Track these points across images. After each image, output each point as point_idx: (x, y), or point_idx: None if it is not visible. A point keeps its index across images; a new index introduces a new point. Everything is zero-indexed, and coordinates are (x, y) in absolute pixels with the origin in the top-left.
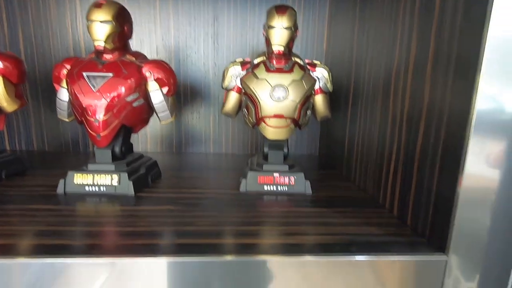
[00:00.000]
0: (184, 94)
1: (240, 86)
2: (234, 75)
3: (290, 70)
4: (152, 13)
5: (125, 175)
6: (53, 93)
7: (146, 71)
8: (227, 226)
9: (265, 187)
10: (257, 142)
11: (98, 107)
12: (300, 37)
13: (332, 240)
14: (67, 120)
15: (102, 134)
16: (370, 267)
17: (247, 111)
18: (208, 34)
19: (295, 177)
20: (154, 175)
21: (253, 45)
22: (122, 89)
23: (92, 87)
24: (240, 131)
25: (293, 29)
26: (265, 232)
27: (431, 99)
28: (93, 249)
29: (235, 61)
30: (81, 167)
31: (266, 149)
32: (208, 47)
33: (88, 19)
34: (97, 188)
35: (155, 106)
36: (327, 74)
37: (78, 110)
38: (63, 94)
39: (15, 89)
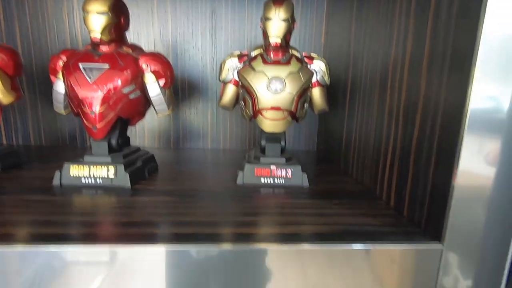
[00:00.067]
0: (182, 89)
1: (237, 79)
2: (231, 67)
3: (287, 63)
4: (149, 7)
5: (121, 167)
6: (50, 88)
7: (143, 63)
8: (223, 216)
9: (262, 180)
10: (255, 137)
11: (94, 99)
12: (298, 32)
13: (328, 230)
14: (63, 112)
15: (98, 126)
16: (367, 256)
17: (244, 103)
18: (206, 28)
19: (292, 169)
20: (151, 169)
21: (251, 39)
22: (119, 81)
23: (88, 79)
24: (238, 126)
25: (290, 21)
26: (262, 222)
27: (427, 94)
28: (89, 238)
29: (232, 54)
30: (77, 159)
31: (263, 142)
32: (206, 41)
33: (84, 10)
34: (93, 180)
35: (152, 98)
36: (324, 67)
37: (74, 101)
38: (59, 86)
39: (11, 81)
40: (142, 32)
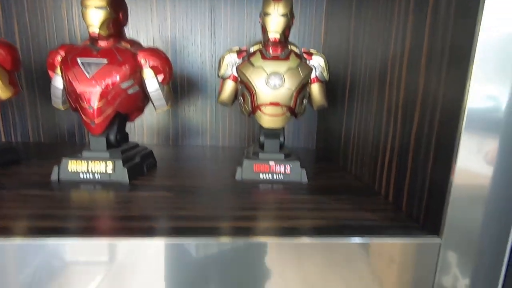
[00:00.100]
0: (181, 86)
1: (236, 75)
2: (230, 63)
3: (286, 58)
4: (148, 4)
5: (119, 163)
6: (48, 84)
7: (141, 58)
8: (222, 211)
9: (261, 176)
10: (254, 135)
11: (93, 94)
12: (298, 30)
13: (326, 224)
14: (61, 108)
15: (96, 121)
16: (365, 250)
17: (243, 99)
18: (205, 25)
19: (291, 165)
20: (149, 165)
21: (251, 36)
22: (117, 76)
23: (86, 74)
24: (237, 123)
25: (289, 16)
26: (260, 216)
27: (425, 91)
28: (88, 231)
29: (231, 49)
30: (75, 154)
31: (262, 138)
32: (205, 38)
33: (82, 5)
34: (91, 176)
35: (150, 94)
36: (323, 62)
37: (72, 96)
38: (58, 81)
39: (9, 76)
40: (141, 29)
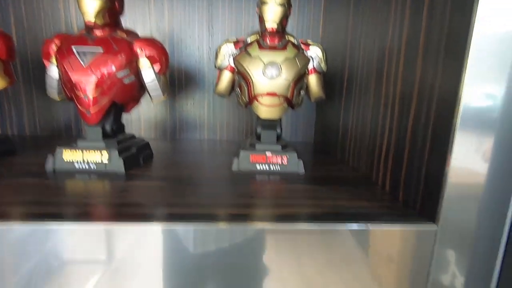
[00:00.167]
0: (178, 79)
1: (233, 65)
2: (227, 53)
3: (284, 48)
4: None
5: (115, 152)
6: (44, 76)
7: (137, 47)
8: (218, 199)
9: (258, 166)
10: (252, 129)
11: (88, 83)
12: (296, 23)
13: (323, 212)
14: (57, 98)
15: (92, 110)
16: (362, 236)
17: (240, 90)
18: (203, 18)
19: (288, 156)
20: (146, 156)
21: (249, 30)
22: (112, 65)
23: (82, 63)
24: (235, 117)
25: (287, 6)
26: (256, 204)
27: (421, 83)
28: (82, 217)
29: (228, 40)
30: (70, 144)
31: (259, 129)
32: (203, 31)
33: None
34: (86, 166)
35: (147, 85)
36: (321, 53)
37: (67, 86)
38: (53, 71)
39: (3, 66)
40: (138, 22)
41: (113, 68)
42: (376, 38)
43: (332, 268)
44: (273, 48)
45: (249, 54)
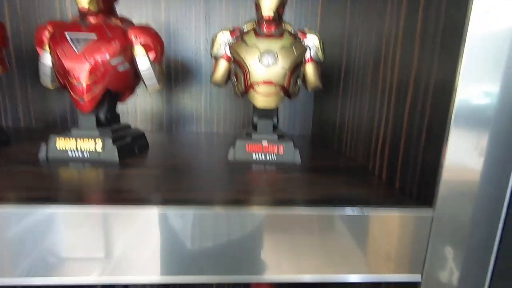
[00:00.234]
0: (175, 72)
1: (229, 54)
2: (223, 42)
3: (280, 36)
4: None
5: (109, 141)
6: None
7: (132, 35)
8: (213, 186)
9: (254, 156)
10: (249, 121)
11: (82, 70)
12: (294, 15)
13: (320, 198)
14: (50, 86)
15: (85, 98)
16: (359, 221)
17: (236, 79)
18: (200, 10)
19: (284, 145)
20: (141, 146)
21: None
22: (106, 52)
23: (75, 49)
24: (232, 110)
25: None
26: (251, 190)
27: (418, 72)
28: (75, 200)
29: (224, 28)
30: (64, 132)
31: (255, 119)
32: (199, 23)
33: None
34: (80, 154)
35: (142, 73)
36: (318, 42)
37: (61, 73)
38: (46, 59)
39: None
40: (134, 12)
41: (107, 55)
42: (373, 29)
43: (328, 251)
44: (269, 36)
45: (245, 42)
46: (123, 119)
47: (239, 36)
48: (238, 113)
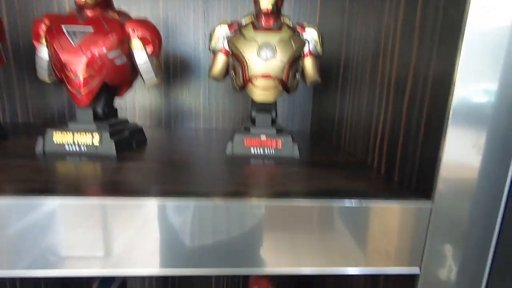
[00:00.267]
0: (173, 68)
1: (227, 48)
2: (221, 35)
3: (279, 29)
4: None
5: (106, 135)
6: None
7: (129, 28)
8: (211, 179)
9: (252, 150)
10: (247, 117)
11: (78, 63)
12: (293, 10)
13: (319, 191)
14: (47, 80)
15: (82, 91)
16: (358, 212)
17: (235, 73)
18: (198, 5)
19: (283, 140)
20: (139, 141)
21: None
22: (103, 45)
23: (72, 42)
24: (231, 106)
25: None
26: (249, 183)
27: (416, 66)
28: (72, 192)
29: (223, 22)
30: (61, 126)
31: (253, 113)
32: (198, 18)
33: None
34: (77, 148)
35: (139, 67)
36: (316, 35)
37: (57, 66)
38: (43, 52)
39: None
40: (132, 7)
41: (104, 49)
42: (371, 25)
43: (326, 243)
44: (268, 29)
45: (243, 36)
46: (121, 115)
47: (237, 29)
48: (237, 109)
